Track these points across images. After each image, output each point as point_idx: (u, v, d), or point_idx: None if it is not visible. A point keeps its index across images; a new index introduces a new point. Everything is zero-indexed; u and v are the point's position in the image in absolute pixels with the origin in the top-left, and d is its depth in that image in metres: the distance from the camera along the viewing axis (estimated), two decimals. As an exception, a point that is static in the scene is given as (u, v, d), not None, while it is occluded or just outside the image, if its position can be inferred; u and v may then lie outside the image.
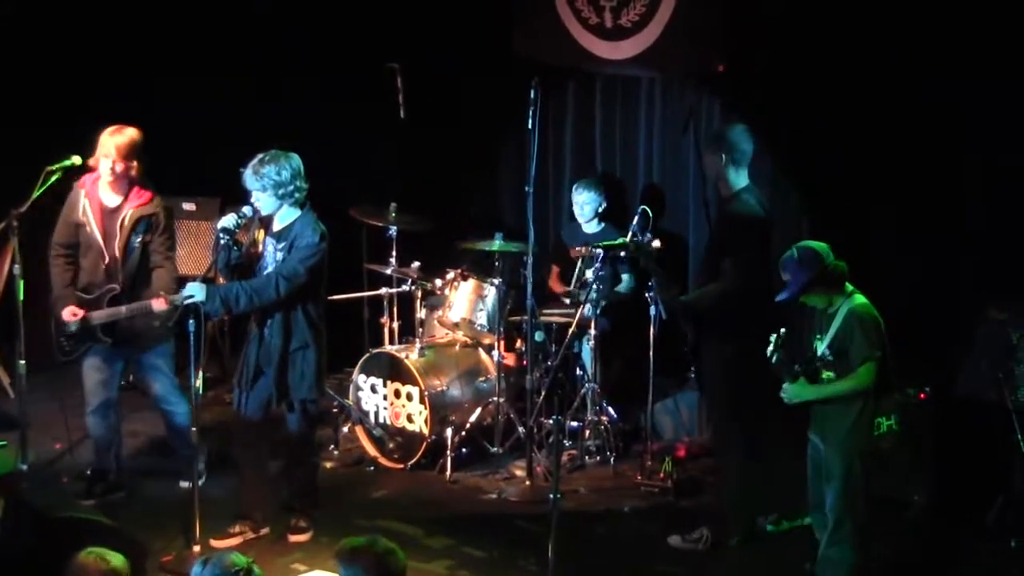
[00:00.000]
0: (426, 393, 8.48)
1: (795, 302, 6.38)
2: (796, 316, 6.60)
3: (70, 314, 7.63)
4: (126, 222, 7.63)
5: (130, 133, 7.61)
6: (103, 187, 7.69)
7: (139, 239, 7.63)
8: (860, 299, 6.32)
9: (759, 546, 7.30)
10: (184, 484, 7.79)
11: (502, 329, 8.66)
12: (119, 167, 7.56)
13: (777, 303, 6.41)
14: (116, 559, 5.23)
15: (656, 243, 7.43)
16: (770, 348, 6.31)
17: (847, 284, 6.33)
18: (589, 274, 8.45)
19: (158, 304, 7.44)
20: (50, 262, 7.82)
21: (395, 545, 4.98)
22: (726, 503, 7.38)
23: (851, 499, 6.36)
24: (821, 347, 6.34)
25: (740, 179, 7.18)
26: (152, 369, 7.93)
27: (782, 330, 6.32)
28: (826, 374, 6.33)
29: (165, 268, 7.71)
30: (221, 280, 7.27)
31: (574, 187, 9.32)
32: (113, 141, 7.56)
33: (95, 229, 7.67)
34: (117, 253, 7.64)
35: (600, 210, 9.20)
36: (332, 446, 8.75)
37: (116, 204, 7.68)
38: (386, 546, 4.92)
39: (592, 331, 8.64)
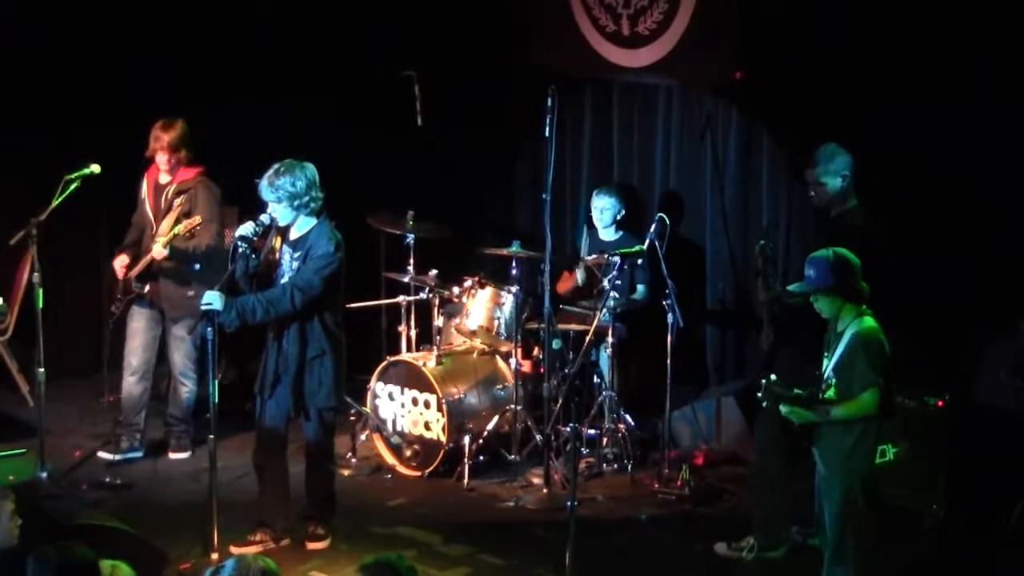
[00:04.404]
0: (443, 401, 8.49)
1: (805, 298, 6.34)
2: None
3: (118, 262, 8.56)
4: (169, 195, 8.46)
5: (178, 126, 8.45)
6: (161, 171, 8.57)
7: (176, 206, 8.37)
8: (868, 322, 6.20)
9: (783, 557, 7.28)
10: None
11: (519, 337, 8.66)
12: (173, 159, 8.45)
13: (792, 294, 6.44)
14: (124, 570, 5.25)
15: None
16: (759, 394, 6.31)
17: (863, 305, 6.24)
18: (605, 282, 8.45)
19: (155, 249, 8.27)
20: None
21: (418, 569, 4.99)
22: (767, 512, 7.33)
23: (849, 522, 6.27)
24: (827, 368, 6.27)
25: (852, 197, 7.18)
26: (176, 340, 8.64)
27: (772, 376, 6.30)
28: (830, 394, 6.25)
29: (200, 234, 8.35)
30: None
31: (594, 193, 9.30)
32: (166, 136, 8.40)
33: (148, 205, 8.58)
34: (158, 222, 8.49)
35: (619, 217, 9.19)
36: (349, 454, 8.75)
37: (165, 181, 8.55)
38: (409, 567, 4.93)
39: (610, 339, 8.64)
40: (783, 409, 6.27)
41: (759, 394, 6.34)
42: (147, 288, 8.52)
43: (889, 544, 6.56)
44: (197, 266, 8.42)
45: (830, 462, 6.31)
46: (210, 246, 8.41)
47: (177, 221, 8.33)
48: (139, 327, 8.67)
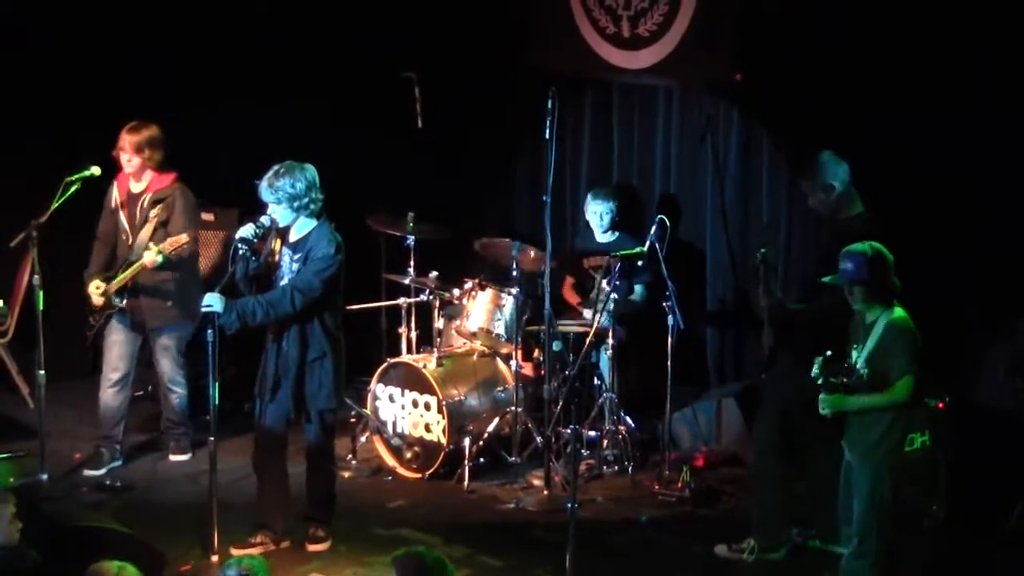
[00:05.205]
0: (444, 403, 8.48)
1: (839, 290, 6.40)
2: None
3: (93, 288, 8.39)
4: (145, 204, 8.35)
5: (144, 130, 8.30)
6: (131, 177, 8.42)
7: (153, 216, 8.27)
8: (900, 312, 6.32)
9: (783, 558, 7.28)
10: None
11: (520, 339, 8.66)
12: (134, 160, 8.29)
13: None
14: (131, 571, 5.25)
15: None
16: (815, 370, 6.28)
17: (894, 301, 6.34)
18: (605, 284, 8.45)
19: (148, 256, 8.09)
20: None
21: (447, 561, 4.98)
22: (767, 513, 7.33)
23: (877, 513, 6.34)
24: (859, 359, 6.33)
25: (858, 203, 7.19)
26: (162, 349, 8.64)
27: (828, 352, 6.30)
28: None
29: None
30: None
31: (589, 196, 9.29)
32: (128, 138, 8.28)
33: (121, 214, 8.43)
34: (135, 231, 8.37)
35: (615, 219, 9.18)
36: (350, 456, 8.75)
37: (139, 190, 8.41)
38: (437, 559, 4.92)
39: (610, 341, 8.64)
40: (820, 396, 6.31)
41: (815, 370, 6.27)
42: (125, 302, 8.40)
43: (896, 551, 6.55)
44: (174, 276, 8.38)
45: (859, 451, 6.40)
46: (193, 254, 8.43)
47: (155, 231, 8.25)
48: (118, 340, 8.54)
